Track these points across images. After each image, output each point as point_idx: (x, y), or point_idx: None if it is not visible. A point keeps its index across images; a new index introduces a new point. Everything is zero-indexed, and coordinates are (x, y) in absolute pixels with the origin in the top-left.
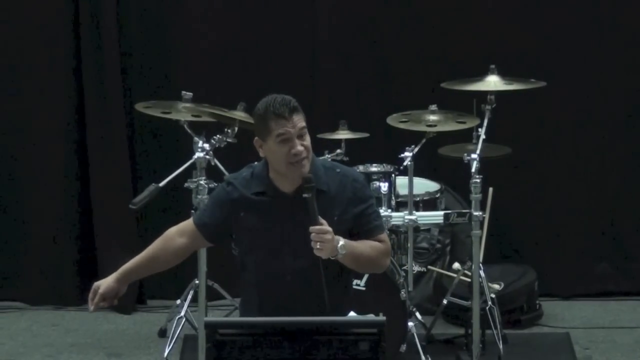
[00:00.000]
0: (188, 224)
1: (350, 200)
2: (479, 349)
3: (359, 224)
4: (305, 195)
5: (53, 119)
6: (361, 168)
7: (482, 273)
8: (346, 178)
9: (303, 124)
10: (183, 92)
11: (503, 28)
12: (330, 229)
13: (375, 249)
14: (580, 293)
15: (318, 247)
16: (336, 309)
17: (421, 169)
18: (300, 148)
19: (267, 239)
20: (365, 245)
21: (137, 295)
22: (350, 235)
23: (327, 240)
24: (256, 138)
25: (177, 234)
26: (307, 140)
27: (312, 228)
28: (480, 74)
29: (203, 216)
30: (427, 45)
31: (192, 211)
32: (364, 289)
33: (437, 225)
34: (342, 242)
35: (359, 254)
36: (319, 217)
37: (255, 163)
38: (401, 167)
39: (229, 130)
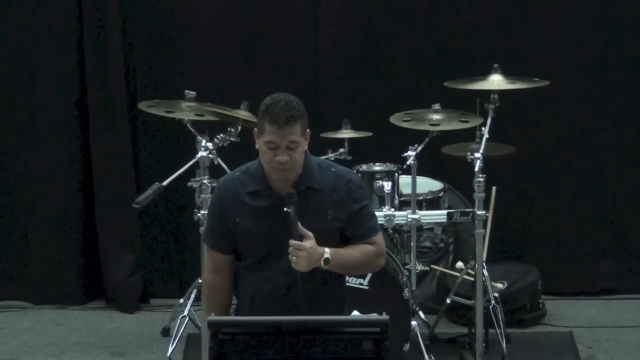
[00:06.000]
0: (209, 257)
1: (344, 200)
2: (482, 348)
3: (352, 225)
4: (286, 209)
5: (55, 118)
6: (364, 167)
7: (485, 272)
8: (341, 178)
9: (295, 137)
10: (186, 91)
11: (506, 27)
12: (307, 245)
13: (366, 253)
14: (583, 292)
15: (294, 261)
16: (330, 310)
17: (424, 168)
18: (284, 158)
19: (263, 241)
20: (355, 251)
21: (140, 294)
22: (342, 236)
23: (302, 257)
24: (255, 129)
25: (213, 274)
26: (298, 152)
27: (290, 242)
28: (484, 73)
29: (212, 237)
30: (430, 44)
31: (195, 210)
32: (367, 288)
33: (440, 224)
34: (327, 254)
35: (345, 262)
36: (302, 229)
37: (249, 163)
38: (404, 166)
39: (232, 129)
